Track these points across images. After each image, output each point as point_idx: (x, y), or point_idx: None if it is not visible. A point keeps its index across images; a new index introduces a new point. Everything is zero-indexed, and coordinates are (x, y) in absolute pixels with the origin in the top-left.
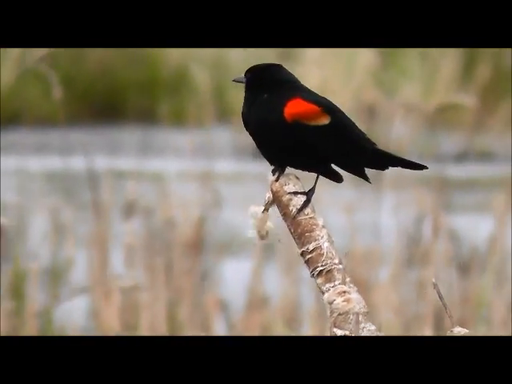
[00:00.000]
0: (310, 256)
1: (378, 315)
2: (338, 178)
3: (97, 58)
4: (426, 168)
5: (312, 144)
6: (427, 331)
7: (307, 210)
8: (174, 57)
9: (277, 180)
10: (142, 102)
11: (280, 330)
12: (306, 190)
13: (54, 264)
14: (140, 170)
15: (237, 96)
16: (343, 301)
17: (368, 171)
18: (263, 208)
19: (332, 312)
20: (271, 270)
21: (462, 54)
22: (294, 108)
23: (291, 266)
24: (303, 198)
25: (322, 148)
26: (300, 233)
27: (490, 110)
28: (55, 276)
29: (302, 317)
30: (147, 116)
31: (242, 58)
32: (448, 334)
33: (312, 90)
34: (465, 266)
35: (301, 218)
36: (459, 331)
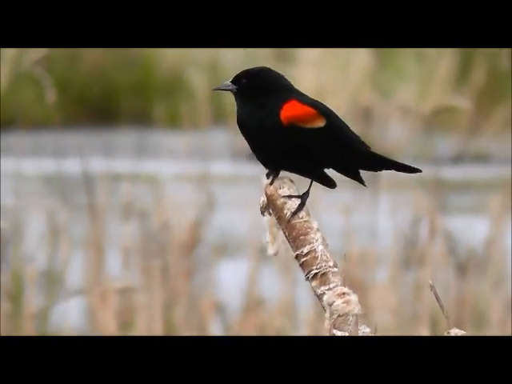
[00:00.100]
0: (304, 259)
1: (374, 316)
2: (331, 184)
3: (92, 61)
4: (420, 171)
5: (307, 147)
6: (424, 332)
7: (302, 214)
8: (168, 59)
9: (271, 183)
10: (137, 104)
11: (276, 333)
12: (301, 194)
13: (51, 266)
14: (135, 172)
15: (232, 98)
16: (343, 302)
17: (364, 174)
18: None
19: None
20: (267, 272)
21: (458, 56)
22: (290, 111)
23: (287, 267)
24: (298, 202)
25: (317, 151)
26: (295, 236)
27: (485, 112)
28: (51, 278)
29: (299, 319)
30: (142, 118)
31: (237, 60)
32: (445, 335)
33: (308, 91)
34: (461, 267)
35: (295, 221)
36: (456, 333)
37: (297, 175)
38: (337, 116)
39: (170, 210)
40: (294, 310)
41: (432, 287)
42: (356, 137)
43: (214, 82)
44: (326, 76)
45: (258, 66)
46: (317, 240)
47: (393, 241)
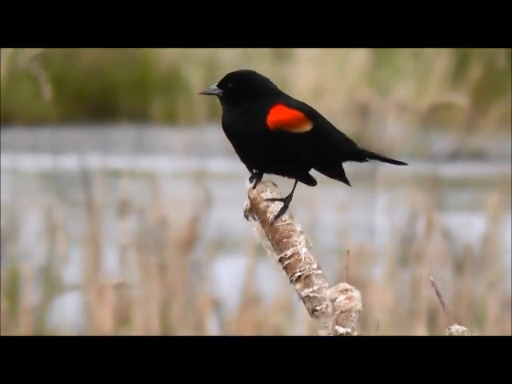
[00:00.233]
0: (288, 262)
1: (372, 313)
2: (312, 183)
3: (90, 58)
4: (406, 164)
5: (294, 151)
6: (421, 329)
7: (284, 217)
8: (166, 56)
9: (254, 187)
10: (134, 101)
11: (273, 329)
12: (284, 197)
13: (48, 262)
14: (133, 168)
15: None
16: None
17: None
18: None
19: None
20: (264, 269)
21: (455, 53)
22: (276, 115)
23: None
24: (281, 205)
25: (303, 154)
26: (278, 239)
27: (482, 109)
28: (48, 274)
29: (296, 316)
30: (140, 115)
31: (234, 58)
32: (446, 331)
33: (306, 89)
34: (458, 264)
35: (278, 224)
36: (457, 329)
37: (280, 177)
38: (322, 117)
39: (167, 206)
40: (292, 307)
41: (433, 284)
42: (342, 135)
43: (212, 80)
44: (324, 74)
45: (244, 69)
46: (300, 243)
47: (390, 238)
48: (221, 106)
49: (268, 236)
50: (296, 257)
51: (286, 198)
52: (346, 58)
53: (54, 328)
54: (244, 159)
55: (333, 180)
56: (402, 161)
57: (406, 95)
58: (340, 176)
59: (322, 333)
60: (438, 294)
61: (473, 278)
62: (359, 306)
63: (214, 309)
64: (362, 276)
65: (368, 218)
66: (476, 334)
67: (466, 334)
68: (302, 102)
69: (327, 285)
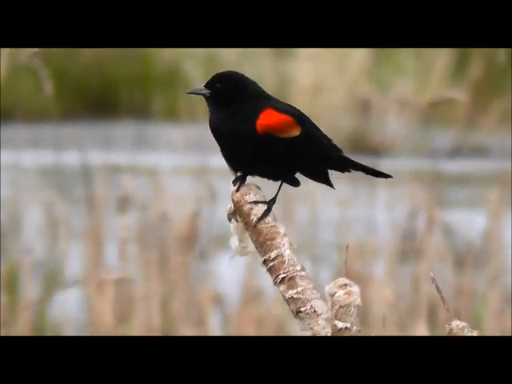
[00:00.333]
0: (272, 264)
1: (372, 309)
2: (296, 184)
3: (90, 53)
4: (391, 177)
5: (282, 155)
6: (422, 325)
7: (268, 219)
8: (167, 52)
9: (237, 190)
10: (135, 96)
11: (275, 324)
12: (268, 200)
13: (48, 258)
14: (134, 164)
15: None
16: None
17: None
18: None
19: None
20: None
21: (455, 50)
22: (266, 119)
23: None
24: (264, 207)
25: (291, 159)
26: (262, 241)
27: (482, 106)
28: (49, 270)
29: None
30: (141, 111)
31: (234, 54)
32: (446, 327)
33: (306, 85)
34: (459, 260)
35: (262, 226)
36: (457, 325)
37: (263, 179)
38: (310, 121)
39: (168, 202)
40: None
41: (433, 280)
42: (328, 140)
43: (211, 73)
44: (324, 70)
45: (230, 69)
46: (284, 245)
47: (390, 234)
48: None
49: (252, 238)
50: (280, 259)
51: (270, 200)
52: (347, 55)
53: (55, 323)
54: (230, 161)
55: (333, 176)
56: (403, 159)
57: (407, 92)
58: (324, 180)
59: (307, 334)
60: (438, 289)
61: (473, 274)
62: (358, 301)
63: (215, 304)
64: (363, 272)
65: (369, 214)
66: (476, 329)
67: (466, 330)
68: (291, 106)
69: (311, 286)
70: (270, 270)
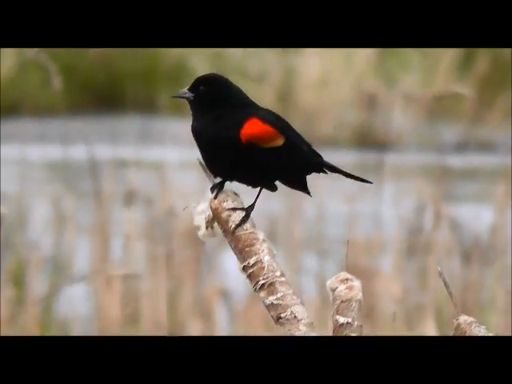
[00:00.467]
0: (251, 270)
1: (379, 304)
2: (273, 189)
3: (97, 49)
4: (371, 183)
5: (265, 164)
6: (429, 320)
7: (246, 226)
8: None
9: (215, 197)
10: (142, 91)
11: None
12: (246, 206)
13: (55, 253)
14: (140, 159)
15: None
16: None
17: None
18: (206, 225)
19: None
20: None
21: None
22: (250, 129)
23: (293, 254)
24: (242, 214)
25: (273, 168)
26: (241, 248)
27: (488, 100)
28: (56, 264)
29: (304, 305)
30: (147, 105)
31: (241, 49)
32: (454, 322)
33: (313, 80)
34: (466, 254)
35: (240, 233)
36: (465, 320)
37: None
38: (292, 129)
39: (174, 196)
40: (300, 296)
41: (441, 274)
42: (308, 147)
43: (218, 70)
44: (331, 64)
45: (213, 72)
46: (263, 251)
47: (397, 229)
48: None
49: (231, 245)
50: (259, 265)
51: (248, 207)
52: (353, 50)
53: (61, 318)
54: (211, 166)
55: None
56: (410, 153)
57: (413, 86)
58: (302, 187)
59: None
60: (445, 284)
61: (481, 269)
62: (359, 296)
63: (222, 299)
64: (370, 267)
65: (375, 209)
66: (484, 325)
67: (473, 325)
68: (274, 114)
69: (291, 291)
70: (249, 276)
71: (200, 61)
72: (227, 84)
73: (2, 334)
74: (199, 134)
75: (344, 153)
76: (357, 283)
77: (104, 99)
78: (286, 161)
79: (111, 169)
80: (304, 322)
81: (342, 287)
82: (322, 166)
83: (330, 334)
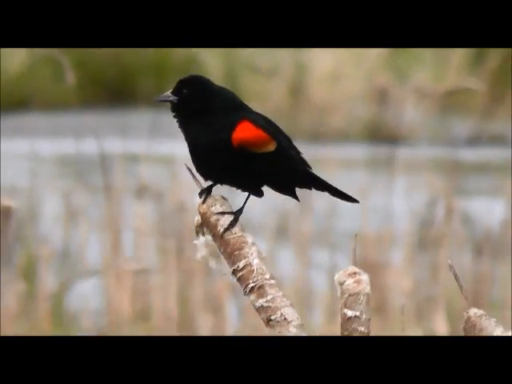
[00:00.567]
0: (241, 274)
1: (390, 298)
2: (260, 194)
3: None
4: (357, 202)
5: (256, 169)
6: (440, 314)
7: (235, 229)
8: None
9: (203, 202)
10: (152, 85)
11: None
12: (234, 210)
13: (66, 247)
14: (151, 153)
15: (247, 80)
16: (354, 282)
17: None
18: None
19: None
20: (284, 253)
21: None
22: (242, 134)
23: (304, 249)
24: (231, 218)
25: (264, 173)
26: (229, 252)
27: (500, 95)
28: (67, 259)
29: (314, 299)
30: None
31: None
32: (464, 315)
33: (324, 74)
34: (478, 248)
35: (229, 237)
36: (475, 313)
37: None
38: (282, 133)
39: (185, 191)
40: (311, 290)
41: (451, 267)
42: (298, 154)
43: (229, 64)
44: (342, 59)
45: (193, 74)
46: (252, 254)
47: (409, 222)
48: (239, 89)
49: (220, 249)
50: (248, 268)
51: (237, 211)
52: None
53: (73, 313)
54: (201, 170)
55: (352, 165)
56: (421, 147)
57: (425, 81)
58: (291, 192)
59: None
60: (455, 277)
61: (492, 263)
62: (368, 289)
63: (232, 294)
64: (381, 260)
65: (387, 203)
66: (494, 318)
67: (483, 318)
68: (265, 117)
69: (281, 294)
70: (239, 279)
71: (210, 55)
72: (209, 85)
73: (13, 329)
74: (191, 143)
75: (356, 147)
76: (365, 277)
77: (115, 93)
78: (277, 166)
79: (122, 163)
80: (294, 324)
81: (350, 281)
82: (308, 175)
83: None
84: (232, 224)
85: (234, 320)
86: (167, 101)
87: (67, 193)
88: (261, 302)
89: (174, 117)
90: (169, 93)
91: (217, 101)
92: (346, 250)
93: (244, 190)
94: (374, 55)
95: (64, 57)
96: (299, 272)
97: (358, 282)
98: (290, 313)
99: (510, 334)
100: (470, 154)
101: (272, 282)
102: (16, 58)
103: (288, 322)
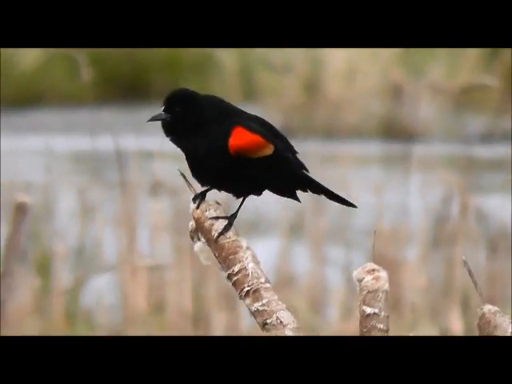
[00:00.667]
0: (236, 278)
1: (405, 294)
2: (258, 193)
3: None
4: (355, 207)
5: (254, 174)
6: (455, 310)
7: (229, 234)
8: None
9: (198, 207)
10: (166, 82)
11: (306, 309)
12: (228, 215)
13: (82, 243)
14: (166, 150)
15: (262, 76)
16: (372, 279)
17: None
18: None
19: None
20: (298, 250)
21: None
22: (238, 140)
23: (319, 245)
24: (225, 223)
25: (262, 177)
26: (224, 256)
27: None
28: (82, 255)
29: (329, 296)
30: None
31: None
32: (478, 311)
33: (339, 70)
34: (492, 245)
35: (223, 241)
36: (489, 309)
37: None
38: (279, 134)
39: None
40: (325, 287)
41: (465, 263)
42: (296, 159)
43: (244, 60)
44: (357, 54)
45: (179, 88)
46: (246, 258)
47: (424, 219)
48: (254, 85)
49: (215, 254)
50: (243, 272)
51: (231, 216)
52: None
53: (88, 308)
54: (198, 176)
55: (366, 162)
56: (436, 144)
57: (439, 77)
58: (291, 195)
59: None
60: (470, 273)
61: (507, 259)
62: (386, 286)
63: None
64: (396, 257)
65: (402, 200)
66: (509, 314)
67: (498, 315)
68: (260, 120)
69: (276, 297)
70: (234, 284)
71: (225, 52)
72: (198, 97)
73: (28, 324)
74: (191, 154)
75: (370, 143)
76: (383, 274)
77: (130, 90)
78: (275, 170)
79: (137, 160)
80: (290, 327)
81: (368, 278)
82: (304, 178)
83: (356, 325)
84: (226, 228)
85: (247, 316)
86: (160, 119)
87: (82, 189)
88: (256, 305)
89: (168, 136)
90: (161, 111)
91: (208, 111)
92: (361, 247)
93: (239, 196)
94: (388, 51)
95: (79, 54)
96: (314, 269)
97: (377, 278)
98: (285, 316)
99: None
100: (484, 151)
101: (267, 285)
102: (31, 55)
103: (284, 326)
